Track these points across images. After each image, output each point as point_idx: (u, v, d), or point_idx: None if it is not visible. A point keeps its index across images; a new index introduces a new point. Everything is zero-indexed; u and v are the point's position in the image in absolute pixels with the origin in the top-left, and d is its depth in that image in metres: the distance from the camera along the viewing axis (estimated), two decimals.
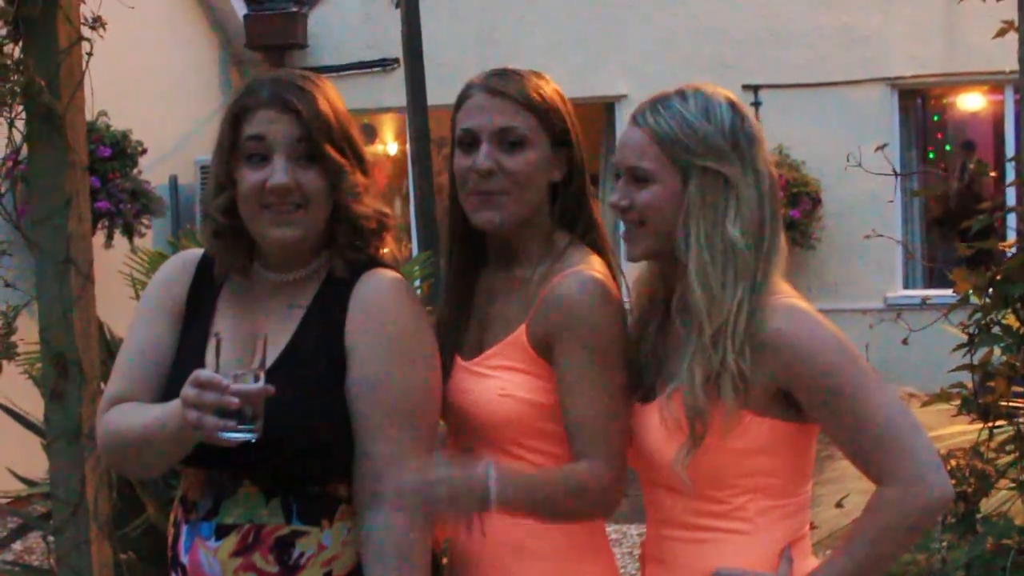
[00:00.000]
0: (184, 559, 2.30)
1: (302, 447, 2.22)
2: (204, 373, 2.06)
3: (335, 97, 2.32)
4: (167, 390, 2.29)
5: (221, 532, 2.27)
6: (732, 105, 2.28)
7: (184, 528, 2.32)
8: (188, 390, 2.07)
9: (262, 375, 2.08)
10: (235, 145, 2.28)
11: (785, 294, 2.24)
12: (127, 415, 2.29)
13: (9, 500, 5.54)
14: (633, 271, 2.47)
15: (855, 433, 2.18)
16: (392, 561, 2.21)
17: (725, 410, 2.17)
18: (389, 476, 2.21)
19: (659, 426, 2.23)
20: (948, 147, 12.61)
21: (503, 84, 2.35)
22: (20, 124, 3.84)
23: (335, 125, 2.28)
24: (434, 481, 2.17)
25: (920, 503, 2.16)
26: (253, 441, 2.08)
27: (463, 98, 2.40)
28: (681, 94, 2.28)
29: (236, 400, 2.03)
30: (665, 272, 2.35)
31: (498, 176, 2.32)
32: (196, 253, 2.47)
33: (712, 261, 2.20)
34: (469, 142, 2.36)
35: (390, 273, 2.35)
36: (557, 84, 2.43)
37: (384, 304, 2.29)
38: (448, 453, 2.55)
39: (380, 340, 2.27)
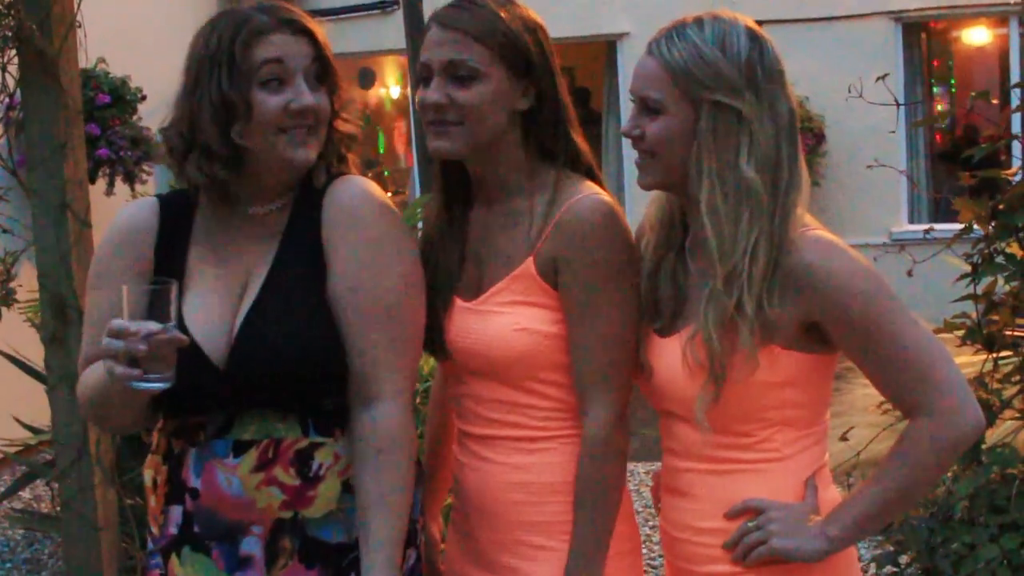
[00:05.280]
0: (195, 483, 2.26)
1: (307, 368, 2.21)
2: (116, 321, 2.03)
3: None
4: None
5: (239, 448, 2.24)
6: (751, 35, 2.21)
7: (191, 453, 2.27)
8: (103, 339, 2.04)
9: (171, 324, 2.04)
10: (247, 70, 2.24)
11: (810, 227, 2.18)
12: (89, 376, 2.28)
13: (16, 448, 5.56)
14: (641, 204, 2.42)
15: (887, 364, 2.15)
16: (373, 458, 2.22)
17: (744, 355, 2.13)
18: (375, 377, 2.22)
19: (681, 363, 2.19)
20: (952, 81, 12.51)
21: (454, 16, 2.31)
22: (13, 69, 3.82)
23: (326, 45, 2.31)
24: None
25: (954, 433, 2.14)
26: (162, 390, 2.06)
27: (425, 31, 2.36)
28: (699, 22, 2.21)
29: (143, 347, 2.00)
30: (684, 204, 2.29)
31: (450, 109, 2.29)
32: (150, 202, 2.41)
33: (724, 200, 2.13)
34: (425, 76, 2.33)
35: (360, 178, 2.35)
36: (545, 16, 2.37)
37: (357, 206, 2.28)
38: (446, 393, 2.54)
39: (357, 243, 2.26)
